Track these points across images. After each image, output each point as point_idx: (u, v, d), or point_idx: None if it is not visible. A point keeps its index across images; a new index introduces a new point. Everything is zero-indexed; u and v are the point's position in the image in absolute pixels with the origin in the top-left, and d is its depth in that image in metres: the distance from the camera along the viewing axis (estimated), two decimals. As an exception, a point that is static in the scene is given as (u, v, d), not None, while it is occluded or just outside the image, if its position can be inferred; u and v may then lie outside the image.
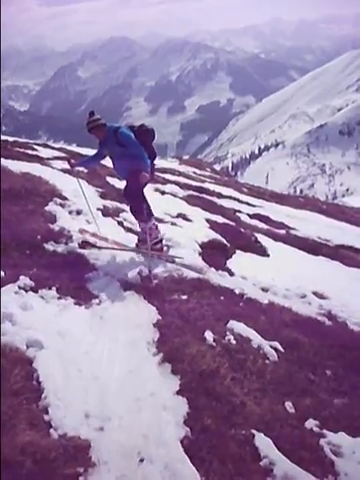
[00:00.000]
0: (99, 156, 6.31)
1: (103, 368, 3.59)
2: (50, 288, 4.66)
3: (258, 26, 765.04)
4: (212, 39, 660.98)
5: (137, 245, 6.35)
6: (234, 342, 4.30)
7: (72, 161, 6.49)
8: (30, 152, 15.60)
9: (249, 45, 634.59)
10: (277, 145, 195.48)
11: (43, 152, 16.60)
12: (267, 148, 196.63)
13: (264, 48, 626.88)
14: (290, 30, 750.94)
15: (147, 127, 5.96)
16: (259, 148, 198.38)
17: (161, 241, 6.40)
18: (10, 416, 2.73)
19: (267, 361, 4.11)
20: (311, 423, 3.35)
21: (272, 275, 6.62)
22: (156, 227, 6.32)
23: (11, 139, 21.13)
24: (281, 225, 12.58)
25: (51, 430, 2.77)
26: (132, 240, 6.52)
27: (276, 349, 4.36)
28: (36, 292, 4.53)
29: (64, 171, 11.52)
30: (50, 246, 5.70)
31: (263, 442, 3.03)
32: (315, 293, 6.33)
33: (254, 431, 3.11)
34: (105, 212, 8.07)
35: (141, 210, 5.88)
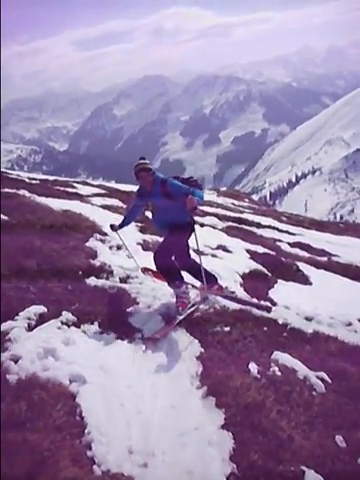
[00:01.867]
0: (139, 210, 5.96)
1: (146, 402, 3.55)
2: (92, 323, 4.69)
3: (287, 56, 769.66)
4: (243, 71, 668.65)
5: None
6: (279, 374, 4.20)
7: (115, 226, 6.02)
8: (70, 190, 16.04)
9: (280, 75, 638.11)
10: (314, 172, 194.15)
11: (83, 190, 17.05)
12: (304, 176, 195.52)
13: (295, 77, 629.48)
14: (320, 57, 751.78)
15: (196, 181, 5.56)
16: (296, 176, 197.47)
17: (193, 306, 5.65)
18: (53, 452, 2.72)
19: (314, 393, 3.99)
20: (365, 458, 3.19)
21: (316, 304, 6.48)
22: (188, 293, 5.62)
23: (51, 178, 21.81)
24: (322, 252, 12.39)
25: (94, 466, 2.74)
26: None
27: (323, 380, 4.23)
28: (78, 327, 4.56)
29: (104, 207, 11.77)
30: (91, 281, 5.75)
31: (314, 479, 2.90)
32: (361, 321, 6.13)
33: (304, 467, 2.99)
34: (145, 246, 8.15)
35: (173, 272, 5.51)
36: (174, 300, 5.56)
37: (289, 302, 6.31)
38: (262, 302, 6.10)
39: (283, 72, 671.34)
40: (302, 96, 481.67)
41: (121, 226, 5.96)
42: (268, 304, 6.07)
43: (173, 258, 5.59)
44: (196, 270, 5.74)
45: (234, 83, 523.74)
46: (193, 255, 6.02)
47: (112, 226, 6.03)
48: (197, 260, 5.76)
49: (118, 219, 7.96)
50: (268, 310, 5.83)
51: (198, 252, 5.65)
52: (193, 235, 5.50)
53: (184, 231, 5.50)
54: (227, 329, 5.00)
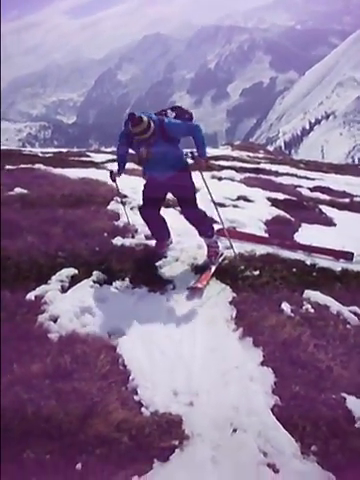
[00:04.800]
0: (127, 155, 5.39)
1: (185, 348, 3.63)
2: (123, 279, 4.76)
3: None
4: (244, 20, 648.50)
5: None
6: (312, 310, 4.24)
7: (114, 172, 5.52)
8: (84, 159, 16.04)
9: (283, 18, 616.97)
10: (328, 116, 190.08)
11: (97, 157, 17.01)
12: (318, 121, 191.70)
13: (299, 19, 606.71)
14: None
15: (187, 111, 5.16)
16: (310, 123, 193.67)
17: (222, 254, 5.62)
18: (101, 398, 2.83)
19: (348, 326, 4.03)
20: None
21: (342, 243, 6.44)
22: (218, 242, 5.62)
23: (64, 150, 21.80)
24: (343, 194, 12.26)
25: (142, 409, 2.85)
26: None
27: (356, 313, 4.26)
28: (110, 285, 4.65)
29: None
30: (117, 241, 5.81)
31: (356, 404, 2.98)
32: (389, 255, 6.10)
33: (344, 394, 3.06)
34: (166, 204, 8.14)
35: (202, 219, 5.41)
36: (200, 251, 5.62)
37: (315, 243, 6.29)
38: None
39: (286, 15, 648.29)
40: (308, 38, 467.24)
41: (120, 173, 5.51)
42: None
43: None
44: (203, 221, 5.44)
45: (236, 33, 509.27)
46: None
47: (111, 173, 5.52)
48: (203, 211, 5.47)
49: (133, 181, 7.97)
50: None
51: (214, 203, 5.50)
52: (204, 186, 5.35)
53: (186, 175, 5.17)
54: (256, 273, 5.03)
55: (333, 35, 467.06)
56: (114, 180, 5.59)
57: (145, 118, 4.58)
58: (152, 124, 4.64)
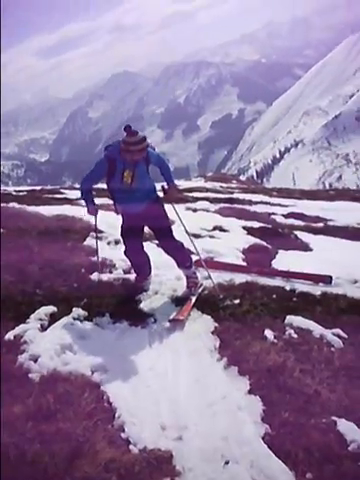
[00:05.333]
0: (91, 188, 5.29)
1: (170, 380, 3.57)
2: (103, 315, 4.69)
3: (253, 33, 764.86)
4: (211, 55, 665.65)
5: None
6: (295, 336, 4.24)
7: (93, 208, 5.27)
8: (59, 196, 16.00)
9: (248, 53, 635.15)
10: (297, 144, 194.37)
11: (71, 194, 16.98)
12: (287, 150, 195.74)
13: (263, 53, 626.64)
14: (285, 30, 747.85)
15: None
16: (280, 151, 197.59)
17: (202, 285, 5.59)
18: (87, 437, 2.75)
19: (332, 348, 4.04)
20: (392, 401, 3.24)
21: (319, 267, 6.50)
22: (197, 273, 5.62)
23: (38, 188, 21.74)
24: (317, 219, 12.46)
25: (130, 446, 2.75)
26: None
27: (339, 336, 4.28)
28: (91, 321, 4.57)
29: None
30: (95, 276, 5.76)
31: (347, 427, 2.94)
32: (366, 277, 6.19)
33: (335, 418, 3.02)
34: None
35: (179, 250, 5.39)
36: (179, 283, 5.60)
37: (293, 269, 6.33)
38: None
39: (251, 50, 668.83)
40: (273, 71, 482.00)
41: (94, 204, 5.24)
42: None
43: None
44: (181, 252, 5.41)
45: (204, 68, 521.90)
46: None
47: (89, 211, 5.28)
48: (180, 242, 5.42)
49: (109, 216, 7.91)
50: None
51: (187, 233, 5.53)
52: (176, 217, 5.36)
53: (159, 206, 5.17)
54: (237, 301, 5.04)
55: (297, 67, 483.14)
56: (95, 214, 5.33)
57: (139, 132, 4.65)
58: (146, 141, 4.67)
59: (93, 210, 5.28)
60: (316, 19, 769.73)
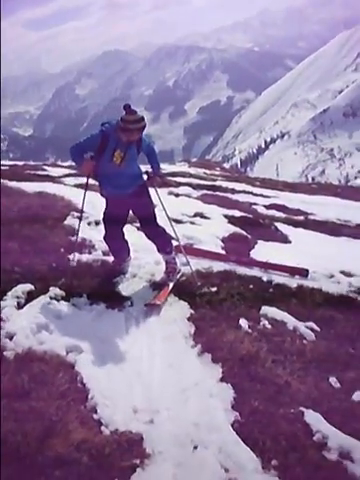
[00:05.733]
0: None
1: (144, 364, 3.62)
2: (81, 296, 4.70)
3: (247, 20, 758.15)
4: (203, 40, 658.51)
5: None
6: (269, 326, 4.32)
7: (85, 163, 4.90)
8: (41, 173, 15.82)
9: (241, 40, 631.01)
10: (283, 136, 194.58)
11: (54, 171, 16.81)
12: (273, 140, 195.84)
13: (256, 41, 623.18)
14: (279, 19, 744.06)
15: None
16: (265, 141, 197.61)
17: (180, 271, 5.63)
18: (60, 417, 2.77)
19: (305, 341, 4.12)
20: (359, 395, 3.33)
21: (297, 260, 6.58)
22: (176, 258, 5.61)
23: (21, 163, 21.44)
24: (298, 212, 12.58)
25: (102, 427, 2.79)
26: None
27: (312, 329, 4.37)
28: (68, 301, 4.57)
29: (77, 186, 11.64)
30: (75, 257, 5.75)
31: (313, 418, 3.02)
32: (342, 272, 6.31)
33: (303, 408, 3.11)
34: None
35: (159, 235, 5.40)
36: (158, 267, 5.62)
37: (271, 260, 6.40)
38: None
39: (244, 37, 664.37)
40: (265, 60, 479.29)
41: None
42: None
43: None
44: (163, 238, 5.42)
45: (195, 52, 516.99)
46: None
47: (84, 165, 4.89)
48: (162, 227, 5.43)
49: (90, 195, 7.88)
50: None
51: (168, 218, 5.51)
52: (159, 202, 5.37)
53: (145, 191, 5.16)
54: (214, 289, 5.09)
55: (289, 58, 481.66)
56: (91, 168, 4.88)
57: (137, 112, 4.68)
58: (144, 120, 4.71)
59: (88, 160, 4.84)
60: (311, 11, 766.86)
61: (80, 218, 5.73)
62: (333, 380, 3.52)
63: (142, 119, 4.68)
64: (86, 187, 5.24)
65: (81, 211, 5.67)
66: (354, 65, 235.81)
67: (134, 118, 4.60)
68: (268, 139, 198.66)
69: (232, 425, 2.94)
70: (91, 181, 5.28)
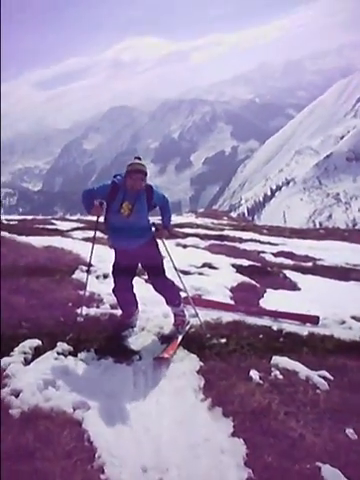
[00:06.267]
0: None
1: (153, 420, 3.52)
2: (89, 350, 4.65)
3: (247, 73, 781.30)
4: (205, 93, 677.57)
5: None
6: (281, 377, 4.21)
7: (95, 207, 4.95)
8: (49, 227, 16.01)
9: (242, 92, 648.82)
10: (288, 183, 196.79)
11: (62, 225, 17.02)
12: (279, 188, 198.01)
13: (257, 93, 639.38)
14: (278, 72, 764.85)
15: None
16: (271, 189, 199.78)
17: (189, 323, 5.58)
18: (65, 479, 2.68)
19: (318, 391, 4.00)
20: (377, 447, 3.20)
21: (307, 307, 6.53)
22: (185, 311, 5.57)
23: (30, 217, 21.75)
24: (306, 258, 12.56)
25: (110, 489, 2.70)
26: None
27: (325, 378, 4.25)
28: (75, 356, 4.51)
29: (85, 240, 11.75)
30: (83, 311, 5.72)
31: (331, 473, 2.90)
32: (353, 317, 6.23)
33: (319, 463, 2.98)
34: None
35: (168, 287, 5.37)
36: (166, 320, 5.57)
37: (280, 309, 6.34)
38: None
39: (245, 89, 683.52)
40: (266, 110, 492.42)
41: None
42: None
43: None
44: (171, 290, 5.39)
45: (199, 105, 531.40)
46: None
47: (93, 208, 4.93)
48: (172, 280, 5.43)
49: (98, 249, 7.92)
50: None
51: (176, 270, 5.52)
52: (166, 254, 5.37)
53: (153, 244, 5.16)
54: (223, 341, 5.02)
55: (289, 107, 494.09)
56: (99, 211, 4.94)
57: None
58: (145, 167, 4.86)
59: (98, 206, 4.90)
60: (308, 62, 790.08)
61: (88, 271, 5.74)
62: (350, 431, 3.38)
63: (143, 166, 4.84)
64: (94, 240, 5.28)
65: (89, 265, 5.69)
66: (353, 111, 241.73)
67: (137, 162, 4.81)
68: (274, 187, 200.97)
69: (245, 483, 2.82)
70: (99, 234, 5.31)
